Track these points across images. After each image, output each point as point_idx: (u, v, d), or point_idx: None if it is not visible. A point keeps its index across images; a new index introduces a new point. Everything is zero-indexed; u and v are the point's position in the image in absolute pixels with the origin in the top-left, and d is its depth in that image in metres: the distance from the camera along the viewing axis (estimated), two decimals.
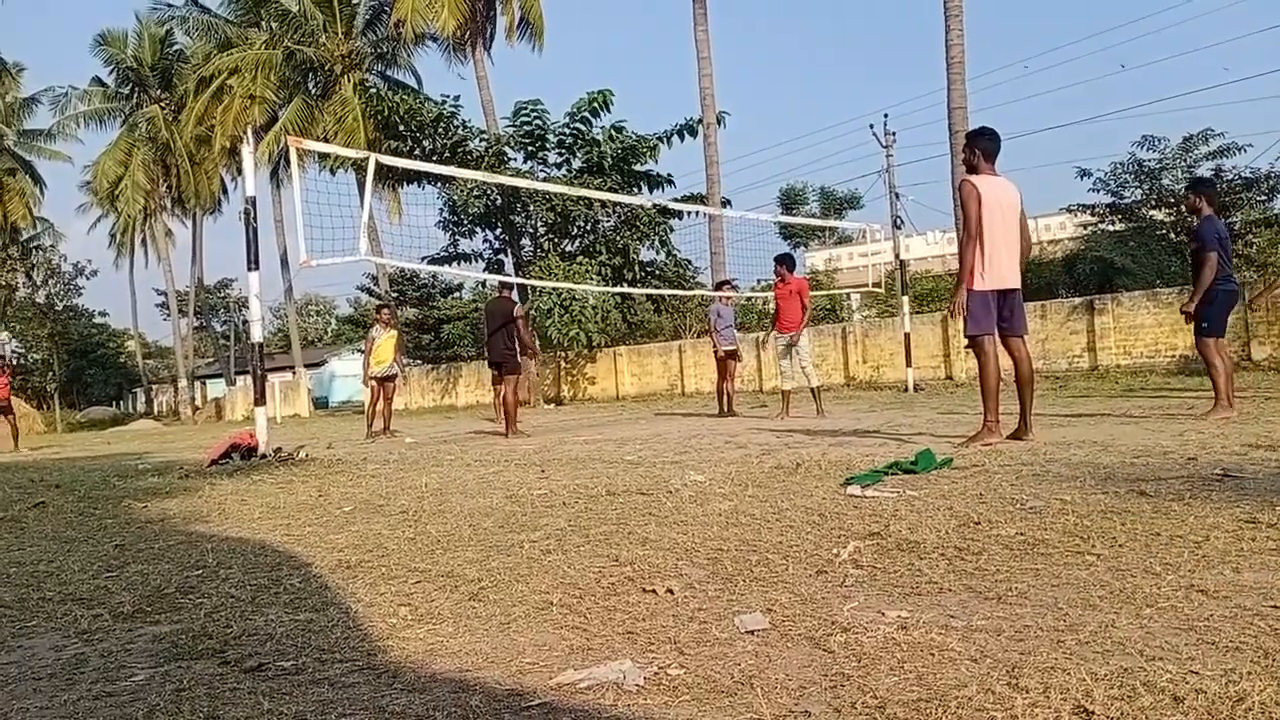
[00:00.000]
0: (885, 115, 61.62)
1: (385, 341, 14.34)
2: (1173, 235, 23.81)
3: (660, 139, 24.74)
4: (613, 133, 24.40)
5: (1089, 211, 25.16)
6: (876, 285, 21.72)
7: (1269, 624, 2.11)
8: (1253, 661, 1.88)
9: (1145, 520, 3.32)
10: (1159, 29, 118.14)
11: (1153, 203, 23.85)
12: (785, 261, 12.15)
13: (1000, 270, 6.36)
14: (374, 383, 14.23)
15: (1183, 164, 23.26)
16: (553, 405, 25.56)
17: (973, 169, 6.55)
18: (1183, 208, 23.19)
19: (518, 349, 12.26)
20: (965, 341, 6.66)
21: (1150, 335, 17.17)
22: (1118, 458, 5.07)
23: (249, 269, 9.05)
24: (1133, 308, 17.60)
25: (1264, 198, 23.18)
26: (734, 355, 13.80)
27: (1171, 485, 4.00)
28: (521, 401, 12.54)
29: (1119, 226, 24.70)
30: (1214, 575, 2.57)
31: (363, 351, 15.32)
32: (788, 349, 11.73)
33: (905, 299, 18.08)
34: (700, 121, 24.68)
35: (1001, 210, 6.37)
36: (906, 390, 16.61)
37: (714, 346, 13.81)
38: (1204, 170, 23.05)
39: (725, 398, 13.58)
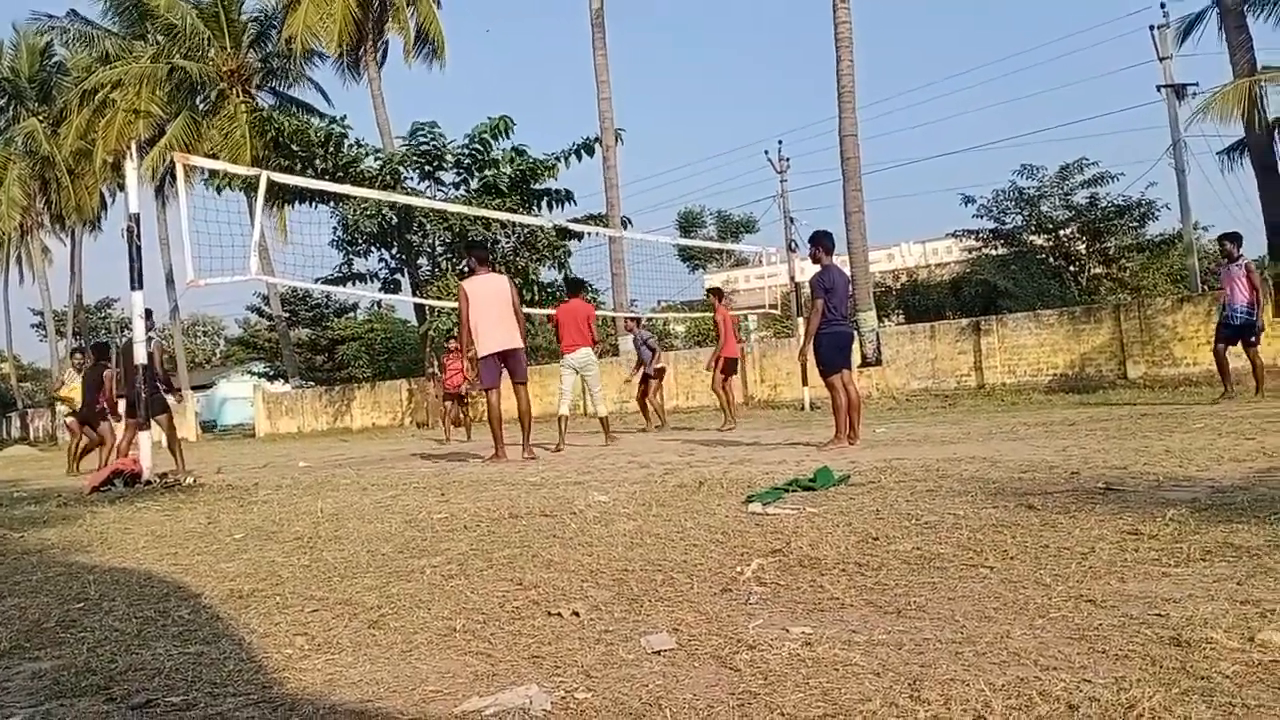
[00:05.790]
0: (780, 141, 62.58)
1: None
2: (1051, 260, 24.80)
3: (559, 158, 24.72)
4: (513, 155, 24.31)
5: (973, 236, 26.06)
6: (773, 306, 22.05)
7: (1155, 632, 2.20)
8: (1141, 669, 1.95)
9: (1034, 533, 3.44)
10: (1037, 64, 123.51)
11: (1032, 228, 24.82)
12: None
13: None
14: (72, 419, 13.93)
15: (1060, 191, 24.29)
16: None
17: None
18: (1059, 234, 24.32)
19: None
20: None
21: (1033, 355, 17.83)
22: (1006, 473, 5.24)
23: (132, 288, 8.70)
24: (1016, 329, 18.25)
25: (1136, 224, 24.34)
26: (660, 374, 14.62)
27: (1058, 499, 4.15)
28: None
29: (1001, 251, 25.62)
30: (1101, 585, 2.67)
31: (63, 384, 14.95)
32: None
33: (801, 320, 18.38)
34: (599, 140, 24.72)
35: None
36: (804, 409, 16.88)
37: (638, 369, 14.39)
38: (1079, 197, 24.12)
39: (658, 410, 14.45)
